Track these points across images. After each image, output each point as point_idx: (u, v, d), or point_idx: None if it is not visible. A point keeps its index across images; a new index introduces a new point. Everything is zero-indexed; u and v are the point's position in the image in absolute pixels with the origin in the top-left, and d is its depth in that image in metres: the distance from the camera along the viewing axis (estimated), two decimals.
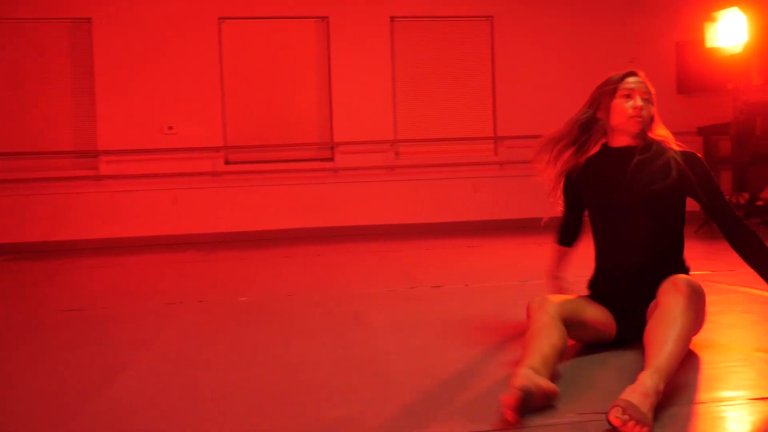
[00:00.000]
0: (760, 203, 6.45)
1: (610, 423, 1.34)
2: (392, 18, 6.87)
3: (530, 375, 1.51)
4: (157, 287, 3.92)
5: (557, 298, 1.88)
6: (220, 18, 6.72)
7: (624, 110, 2.03)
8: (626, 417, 1.33)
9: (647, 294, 1.86)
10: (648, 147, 2.04)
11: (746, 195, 6.69)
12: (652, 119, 2.09)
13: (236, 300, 3.27)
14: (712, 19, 5.48)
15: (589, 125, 2.12)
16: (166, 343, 2.43)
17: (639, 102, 2.03)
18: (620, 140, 2.08)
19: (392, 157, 6.92)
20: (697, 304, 1.72)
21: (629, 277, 1.98)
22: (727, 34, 5.43)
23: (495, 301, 3.05)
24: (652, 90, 2.09)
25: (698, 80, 6.93)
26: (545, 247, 4.92)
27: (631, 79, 2.06)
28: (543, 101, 7.05)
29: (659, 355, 1.52)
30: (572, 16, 7.08)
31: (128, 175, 6.65)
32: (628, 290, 1.97)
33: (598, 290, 2.05)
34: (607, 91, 2.06)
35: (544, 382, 1.52)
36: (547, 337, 1.70)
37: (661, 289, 1.75)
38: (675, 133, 7.46)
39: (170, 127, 6.72)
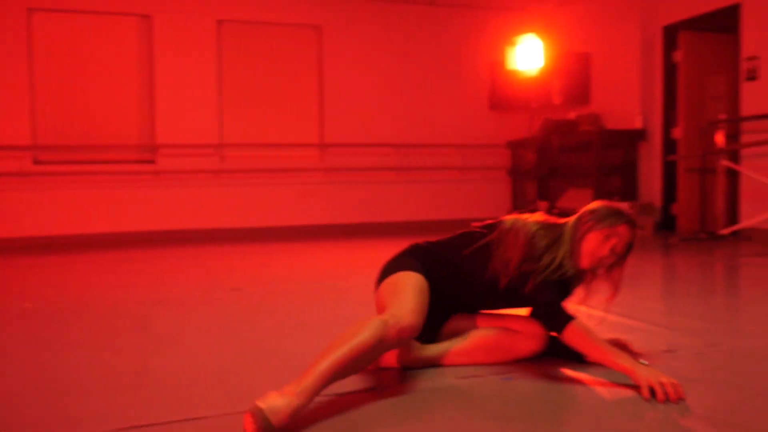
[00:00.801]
0: (555, 211, 7.18)
1: None
2: (219, 21, 6.85)
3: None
4: None
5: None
6: (29, 9, 6.32)
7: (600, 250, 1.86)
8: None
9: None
10: None
11: (546, 203, 7.43)
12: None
13: (21, 306, 3.14)
14: (513, 43, 6.04)
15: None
16: None
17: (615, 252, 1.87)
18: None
19: (217, 161, 6.88)
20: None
21: None
22: (526, 57, 6.01)
23: (290, 302, 3.17)
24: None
25: (508, 98, 7.59)
26: (362, 251, 5.16)
27: (625, 231, 1.87)
28: (368, 110, 7.37)
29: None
30: (397, 30, 7.45)
31: None
32: None
33: None
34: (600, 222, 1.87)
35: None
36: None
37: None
38: (487, 146, 8.15)
39: None
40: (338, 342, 1.58)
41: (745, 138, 5.73)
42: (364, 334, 1.60)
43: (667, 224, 6.62)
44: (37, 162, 6.41)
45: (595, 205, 1.92)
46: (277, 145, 7.07)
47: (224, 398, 1.68)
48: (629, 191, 6.66)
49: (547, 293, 1.81)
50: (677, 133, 6.50)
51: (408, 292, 1.80)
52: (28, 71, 6.35)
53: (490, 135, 7.77)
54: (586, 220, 1.88)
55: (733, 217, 5.95)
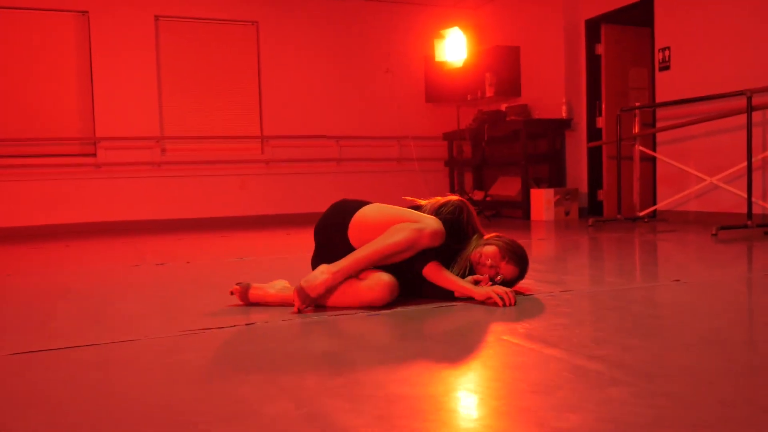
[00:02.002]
0: (489, 199, 7.48)
1: None
2: (156, 17, 6.98)
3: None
4: None
5: None
6: None
7: (482, 266, 2.23)
8: None
9: None
10: None
11: (482, 193, 7.72)
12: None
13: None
14: (441, 36, 6.31)
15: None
16: None
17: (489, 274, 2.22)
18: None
19: (158, 153, 7.01)
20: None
21: None
22: (452, 50, 6.29)
23: (206, 274, 3.36)
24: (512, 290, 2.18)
25: (443, 91, 7.86)
26: (295, 237, 5.36)
27: (506, 269, 2.23)
28: (307, 103, 7.57)
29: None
30: (333, 26, 7.68)
31: None
32: None
33: None
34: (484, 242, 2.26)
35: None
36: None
37: None
38: (424, 138, 8.42)
39: None
40: (377, 239, 2.06)
41: (659, 126, 6.09)
42: (399, 235, 2.05)
43: (595, 210, 6.97)
44: None
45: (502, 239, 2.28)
46: (217, 137, 7.22)
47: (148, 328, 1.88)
48: (557, 178, 6.98)
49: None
50: (601, 122, 6.86)
51: (408, 210, 2.19)
52: None
53: (427, 127, 8.05)
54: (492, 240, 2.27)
55: (653, 201, 6.31)
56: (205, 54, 7.21)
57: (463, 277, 2.22)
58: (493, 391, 1.28)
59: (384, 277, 2.08)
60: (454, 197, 2.32)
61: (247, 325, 1.94)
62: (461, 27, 6.27)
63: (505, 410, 1.18)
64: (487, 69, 7.54)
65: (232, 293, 2.22)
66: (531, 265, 2.94)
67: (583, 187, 7.00)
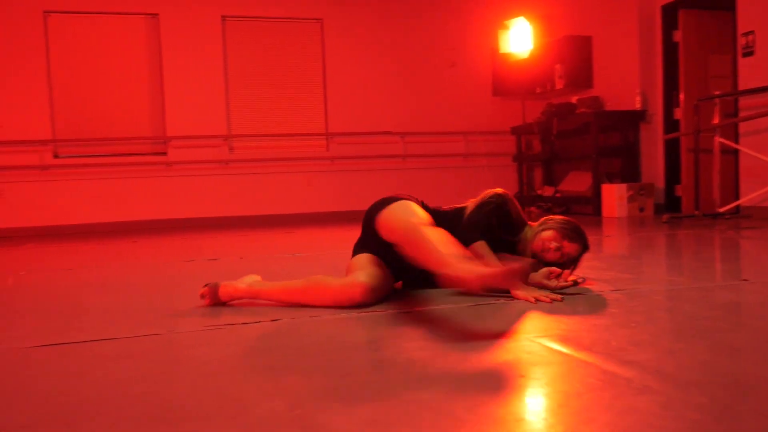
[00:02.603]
0: (558, 195, 7.21)
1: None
2: (224, 17, 7.12)
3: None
4: None
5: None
6: (45, 11, 6.71)
7: (547, 251, 2.26)
8: None
9: None
10: None
11: (551, 188, 7.46)
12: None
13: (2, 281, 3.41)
14: (505, 27, 6.12)
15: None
16: None
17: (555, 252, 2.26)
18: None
19: (226, 151, 7.15)
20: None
21: None
22: (517, 41, 6.08)
23: (254, 268, 3.36)
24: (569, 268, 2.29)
25: (511, 84, 7.64)
26: (349, 233, 5.33)
27: (570, 248, 2.28)
28: (372, 100, 7.54)
29: None
30: (397, 21, 7.61)
31: None
32: None
33: None
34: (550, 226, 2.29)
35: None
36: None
37: None
38: (491, 133, 8.23)
39: None
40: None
41: (742, 115, 5.68)
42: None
43: (673, 206, 6.59)
44: (56, 155, 6.78)
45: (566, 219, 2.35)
46: (283, 135, 7.30)
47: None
48: (630, 173, 6.65)
49: (482, 217, 2.19)
50: (679, 113, 6.47)
51: (416, 215, 2.05)
52: (46, 70, 6.73)
53: (494, 121, 7.85)
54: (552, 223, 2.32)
55: (735, 196, 5.89)
56: (271, 52, 7.30)
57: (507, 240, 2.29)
58: (500, 398, 1.17)
59: (360, 278, 2.01)
60: (496, 190, 2.30)
61: (272, 321, 1.90)
62: (527, 17, 6.05)
63: (502, 418, 1.06)
64: (557, 60, 7.27)
65: (202, 296, 2.13)
66: (589, 263, 2.78)
67: (660, 182, 6.63)
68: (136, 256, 4.25)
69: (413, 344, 1.58)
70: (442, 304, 2.06)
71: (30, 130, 6.67)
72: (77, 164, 6.76)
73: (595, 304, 1.98)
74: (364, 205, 7.73)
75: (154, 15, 6.95)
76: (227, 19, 7.14)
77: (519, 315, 1.86)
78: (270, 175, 7.23)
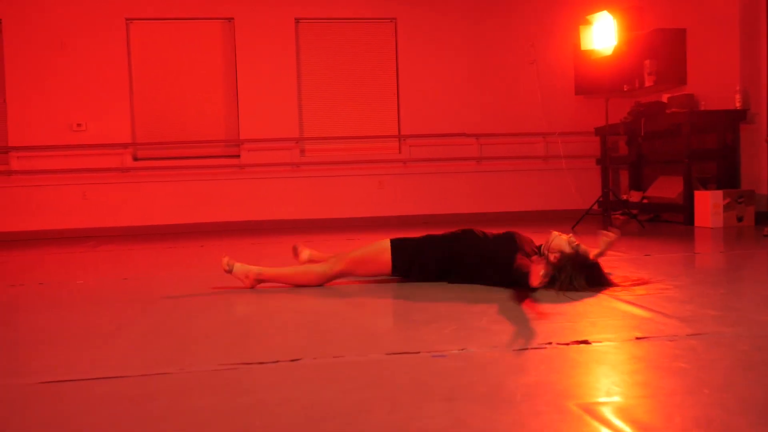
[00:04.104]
0: (645, 201, 6.72)
1: None
2: (297, 20, 7.07)
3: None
4: (32, 273, 4.08)
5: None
6: (127, 19, 6.89)
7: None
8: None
9: None
10: None
11: (639, 194, 6.97)
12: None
13: (74, 282, 3.44)
14: (587, 22, 5.71)
15: None
16: None
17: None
18: None
19: (297, 154, 7.12)
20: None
21: None
22: (600, 36, 5.67)
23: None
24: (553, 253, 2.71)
25: (596, 82, 7.17)
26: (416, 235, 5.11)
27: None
28: (446, 100, 7.30)
29: None
30: (472, 19, 7.32)
31: (39, 170, 6.79)
32: None
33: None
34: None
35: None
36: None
37: None
38: (574, 134, 7.76)
39: (79, 124, 6.86)
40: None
41: None
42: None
43: None
44: (136, 158, 6.96)
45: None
46: (355, 137, 7.18)
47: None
48: (727, 178, 6.08)
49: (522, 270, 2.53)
50: None
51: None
52: (128, 76, 6.92)
53: (577, 122, 7.42)
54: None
55: None
56: (344, 54, 7.20)
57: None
58: None
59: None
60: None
61: (292, 361, 1.73)
62: (612, 11, 5.63)
63: None
64: (646, 55, 6.76)
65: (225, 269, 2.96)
66: (667, 292, 2.48)
67: (762, 189, 6.02)
68: (192, 263, 4.22)
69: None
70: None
71: (112, 134, 6.88)
72: (155, 167, 6.92)
73: (661, 355, 1.69)
74: (438, 209, 7.66)
75: (230, 19, 7.00)
76: (300, 21, 7.10)
77: (565, 363, 1.61)
78: (341, 178, 7.14)
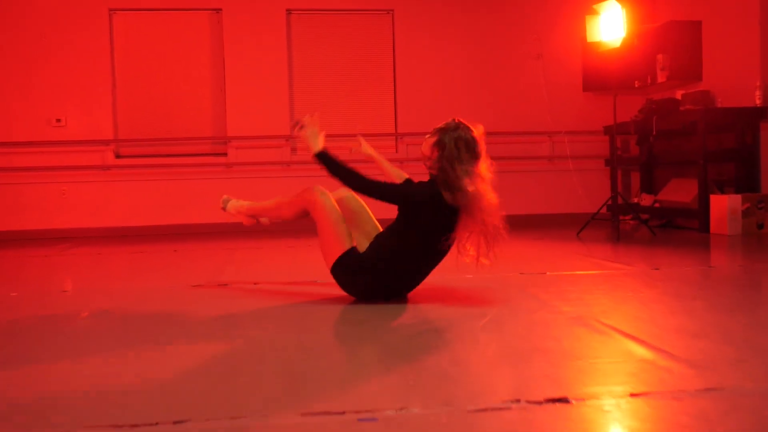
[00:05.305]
0: (657, 205, 6.29)
1: None
2: (288, 10, 6.71)
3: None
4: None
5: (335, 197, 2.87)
6: (110, 9, 6.56)
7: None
8: None
9: None
10: None
11: (651, 197, 6.54)
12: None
13: (8, 295, 3.10)
14: (594, 13, 5.30)
15: None
16: None
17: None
18: None
19: (288, 152, 6.75)
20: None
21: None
22: (608, 28, 5.25)
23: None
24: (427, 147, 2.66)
25: (605, 78, 6.74)
26: None
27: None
28: (444, 97, 6.90)
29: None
30: (473, 11, 6.91)
31: (15, 167, 6.48)
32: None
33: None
34: None
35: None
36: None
37: None
38: (581, 133, 7.35)
39: (59, 120, 6.55)
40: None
41: None
42: None
43: None
44: (118, 156, 6.64)
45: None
46: (349, 135, 6.78)
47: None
48: (746, 181, 5.64)
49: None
50: None
51: None
52: (111, 70, 6.59)
53: (584, 120, 7.00)
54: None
55: None
56: (337, 47, 6.82)
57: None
58: None
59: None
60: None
61: (175, 423, 1.36)
62: (621, 1, 5.20)
63: None
64: (659, 49, 6.33)
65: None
66: (675, 321, 2.10)
67: None
68: (149, 275, 3.87)
69: None
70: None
71: (93, 130, 6.55)
72: (137, 165, 6.58)
73: (662, 421, 1.30)
74: None
75: (218, 10, 6.64)
76: (292, 12, 6.73)
77: None
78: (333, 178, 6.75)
